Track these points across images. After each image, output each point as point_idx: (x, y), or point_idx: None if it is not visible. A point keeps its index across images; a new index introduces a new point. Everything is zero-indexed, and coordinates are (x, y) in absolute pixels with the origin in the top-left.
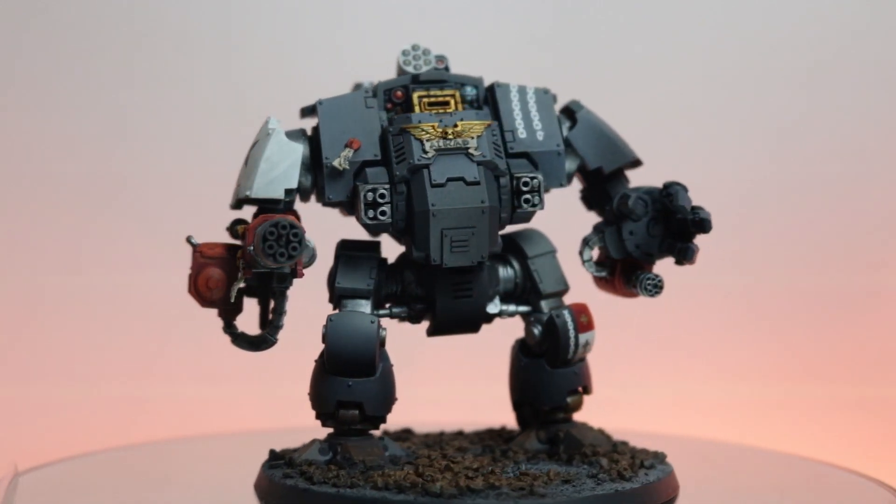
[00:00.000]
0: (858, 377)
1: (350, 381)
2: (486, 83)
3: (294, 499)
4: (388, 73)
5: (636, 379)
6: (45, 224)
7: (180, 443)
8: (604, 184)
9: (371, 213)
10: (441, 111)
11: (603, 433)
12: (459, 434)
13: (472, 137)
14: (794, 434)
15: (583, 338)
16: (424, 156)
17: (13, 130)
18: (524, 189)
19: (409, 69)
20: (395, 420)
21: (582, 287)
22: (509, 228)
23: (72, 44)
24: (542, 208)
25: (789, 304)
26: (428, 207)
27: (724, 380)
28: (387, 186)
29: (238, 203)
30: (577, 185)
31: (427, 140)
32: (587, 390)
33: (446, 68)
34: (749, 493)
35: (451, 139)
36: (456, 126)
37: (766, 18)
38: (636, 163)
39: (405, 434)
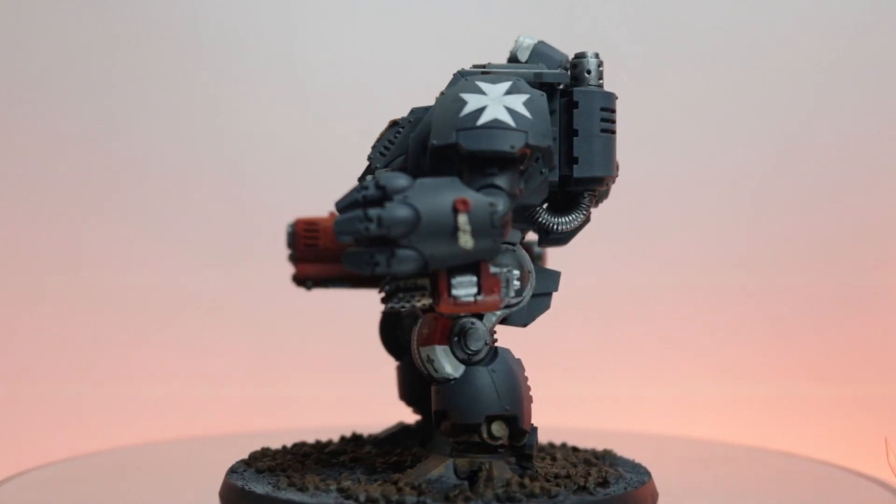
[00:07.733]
0: (858, 377)
1: None
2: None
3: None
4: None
5: (634, 378)
6: (45, 223)
7: (178, 444)
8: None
9: None
10: None
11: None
12: None
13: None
14: (794, 434)
15: (423, 351)
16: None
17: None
18: None
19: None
20: None
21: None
22: None
23: (70, 43)
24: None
25: (789, 303)
26: None
27: (724, 379)
28: None
29: None
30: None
31: None
32: (449, 418)
33: (514, 59)
34: (749, 493)
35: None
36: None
37: (773, 17)
38: (439, 149)
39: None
